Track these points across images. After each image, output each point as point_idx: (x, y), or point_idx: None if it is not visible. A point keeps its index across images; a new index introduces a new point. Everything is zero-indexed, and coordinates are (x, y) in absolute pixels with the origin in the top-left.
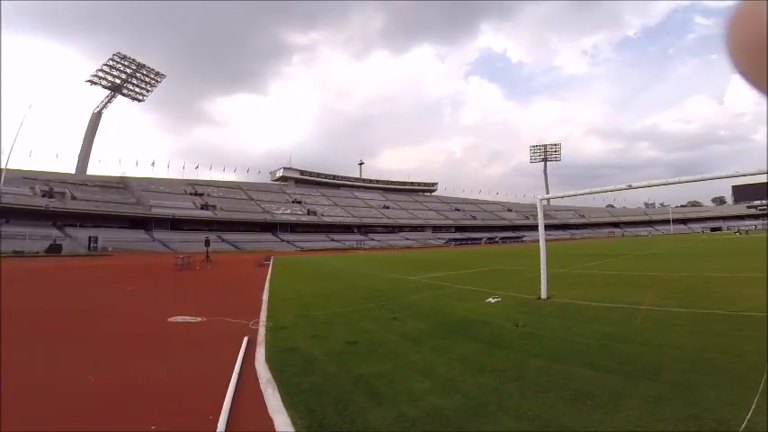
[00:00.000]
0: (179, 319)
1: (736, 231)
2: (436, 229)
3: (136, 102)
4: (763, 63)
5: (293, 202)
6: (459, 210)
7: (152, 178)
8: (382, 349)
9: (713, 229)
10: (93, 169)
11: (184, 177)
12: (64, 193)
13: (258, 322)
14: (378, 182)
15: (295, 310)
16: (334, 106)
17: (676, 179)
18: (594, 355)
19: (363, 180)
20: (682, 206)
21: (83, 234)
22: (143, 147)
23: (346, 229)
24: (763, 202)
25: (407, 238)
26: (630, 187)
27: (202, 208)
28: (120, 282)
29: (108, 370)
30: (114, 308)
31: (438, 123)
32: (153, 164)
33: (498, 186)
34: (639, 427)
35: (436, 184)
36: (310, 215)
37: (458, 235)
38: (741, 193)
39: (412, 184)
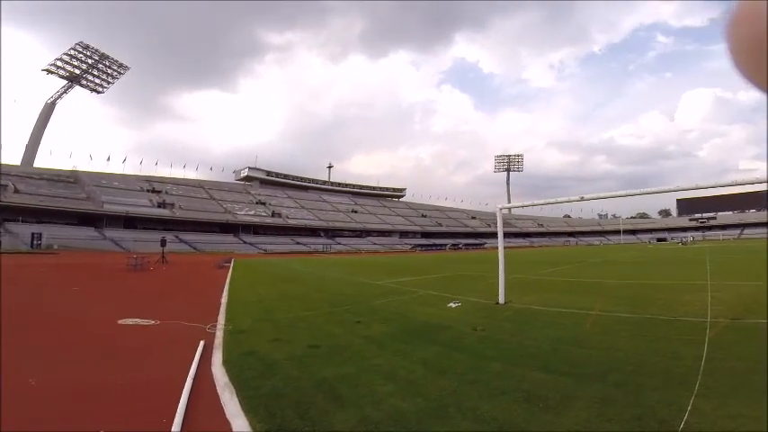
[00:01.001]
0: (130, 321)
1: (678, 242)
2: (403, 234)
3: (95, 93)
4: (763, 63)
5: (257, 203)
6: (425, 216)
7: (106, 173)
8: (346, 353)
9: (659, 240)
10: (43, 162)
11: (142, 173)
12: (6, 186)
13: (216, 326)
14: (346, 185)
15: (256, 313)
16: (306, 107)
17: (623, 192)
18: (547, 358)
19: (332, 183)
20: (632, 218)
21: (25, 230)
22: (99, 140)
23: (312, 232)
24: (704, 214)
25: (375, 243)
26: (582, 199)
27: (159, 206)
28: (66, 282)
29: (50, 373)
30: (58, 309)
31: (409, 130)
32: (108, 158)
33: (463, 194)
34: (587, 427)
35: (404, 189)
36: (275, 217)
37: (424, 241)
38: (684, 206)
39: (381, 189)
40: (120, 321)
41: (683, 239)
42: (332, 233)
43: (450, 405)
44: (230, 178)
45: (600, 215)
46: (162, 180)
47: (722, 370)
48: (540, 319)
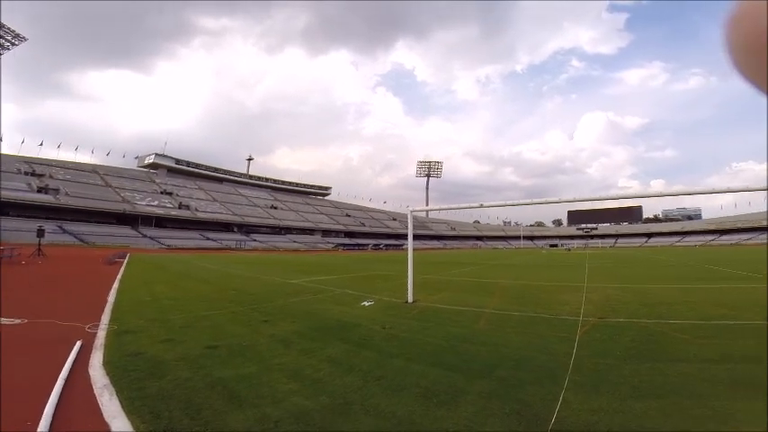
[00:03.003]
0: None
1: (566, 248)
2: (326, 233)
3: None
4: (763, 63)
5: (163, 192)
6: (350, 215)
7: None
8: (248, 352)
9: (552, 246)
10: None
11: (21, 154)
12: None
13: (98, 325)
14: (267, 180)
15: (148, 313)
16: (232, 96)
17: (511, 201)
18: (444, 354)
19: (251, 176)
20: (531, 225)
21: None
22: None
23: (225, 227)
24: (588, 225)
25: (295, 241)
26: (482, 206)
27: (40, 191)
28: None
29: None
30: None
31: (341, 129)
32: None
33: (387, 196)
34: (473, 422)
35: (330, 188)
36: (182, 209)
37: (347, 240)
38: (573, 217)
39: (305, 186)
40: None
41: (569, 246)
42: (247, 229)
43: (355, 402)
44: (133, 165)
45: (504, 222)
46: (46, 162)
47: (588, 366)
48: (441, 317)
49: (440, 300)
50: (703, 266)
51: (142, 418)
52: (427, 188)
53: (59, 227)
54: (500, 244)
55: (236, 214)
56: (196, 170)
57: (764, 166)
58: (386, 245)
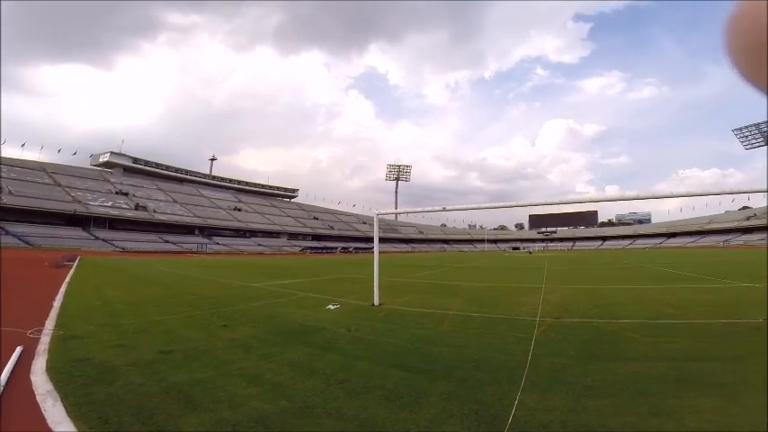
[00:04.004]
0: None
1: (527, 251)
2: (293, 236)
3: None
4: (763, 63)
5: (118, 193)
6: (317, 218)
7: None
8: (205, 357)
9: (514, 249)
10: None
11: None
12: None
13: (42, 330)
14: (231, 181)
15: (98, 318)
16: (196, 94)
17: (474, 205)
18: (408, 356)
19: (214, 177)
20: (494, 229)
21: None
22: None
23: (186, 230)
24: (548, 228)
25: (260, 244)
26: (445, 209)
27: None
28: None
29: None
30: None
31: (310, 130)
32: None
33: (357, 199)
34: (435, 423)
35: (297, 190)
36: (139, 210)
37: (314, 243)
38: (534, 221)
39: (271, 187)
40: None
41: (530, 249)
42: (209, 232)
43: (317, 405)
44: (86, 163)
45: (470, 225)
46: None
47: (544, 365)
48: (407, 320)
49: (406, 302)
50: (652, 268)
51: (89, 424)
52: (396, 191)
53: (2, 228)
54: (466, 247)
55: (197, 216)
56: (155, 170)
57: (707, 173)
58: (355, 248)
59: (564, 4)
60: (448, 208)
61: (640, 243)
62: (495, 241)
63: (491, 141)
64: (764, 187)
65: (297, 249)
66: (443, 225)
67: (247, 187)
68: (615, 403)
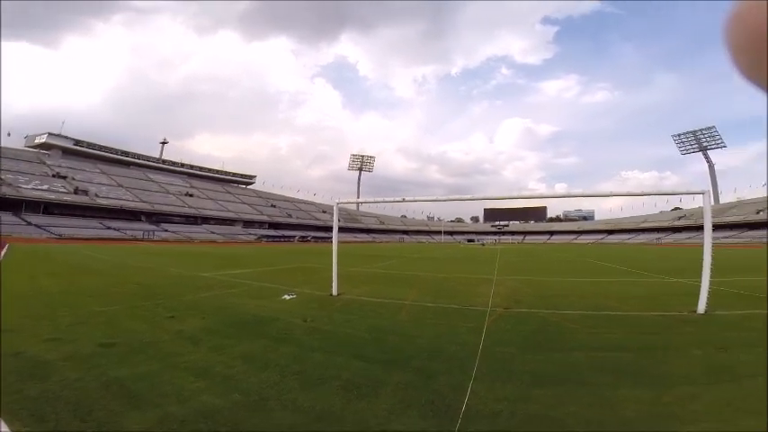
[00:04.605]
0: None
1: (481, 243)
2: (248, 223)
3: None
4: (762, 62)
5: (55, 176)
6: (275, 206)
7: None
8: (150, 350)
9: (469, 240)
10: None
11: None
12: None
13: None
14: (183, 165)
15: (30, 310)
16: (150, 76)
17: (432, 197)
18: (365, 346)
19: (164, 161)
20: (451, 221)
21: None
22: None
23: (132, 216)
24: (502, 222)
25: (213, 232)
26: (405, 200)
27: None
28: None
29: None
30: None
31: (271, 117)
32: None
33: (317, 188)
34: (392, 413)
35: (255, 177)
36: (79, 194)
37: (271, 231)
38: (489, 214)
39: (226, 173)
40: None
41: (483, 241)
42: (157, 218)
43: (271, 398)
44: (20, 144)
45: (429, 217)
46: None
47: (493, 354)
48: (365, 310)
49: (364, 292)
50: (594, 262)
51: (22, 422)
52: (359, 182)
53: None
54: (424, 238)
55: (144, 201)
56: (99, 152)
57: (647, 175)
58: (314, 237)
59: (537, 6)
60: (408, 199)
61: (584, 238)
62: (451, 233)
63: (452, 136)
64: (697, 190)
65: (252, 237)
66: (403, 216)
67: (201, 172)
68: (559, 393)
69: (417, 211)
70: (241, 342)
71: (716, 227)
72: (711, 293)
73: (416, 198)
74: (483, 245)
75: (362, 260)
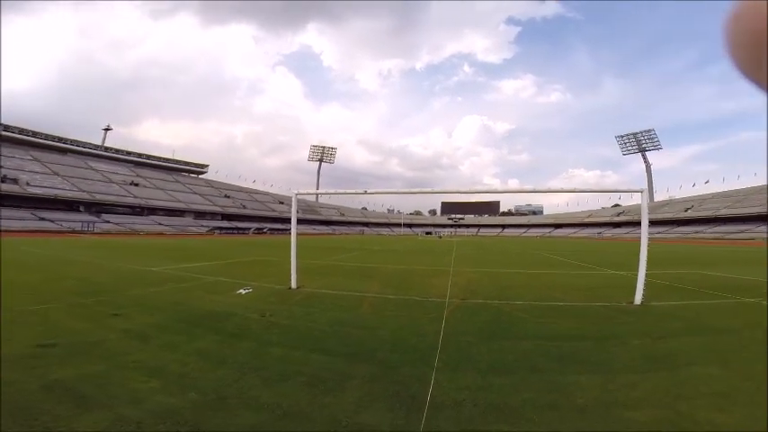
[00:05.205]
0: None
1: (438, 236)
2: (200, 215)
3: None
4: (762, 61)
5: None
6: (229, 197)
7: None
8: (95, 350)
9: (427, 233)
10: None
11: None
12: None
13: None
14: (128, 153)
15: None
16: (96, 58)
17: (394, 189)
18: (327, 340)
19: (107, 149)
20: (410, 214)
21: None
22: None
23: (69, 206)
24: (458, 215)
25: (161, 224)
26: (366, 192)
27: None
28: None
29: None
30: None
31: (226, 104)
32: None
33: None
34: (360, 406)
35: (207, 166)
36: (7, 183)
37: (225, 223)
38: (446, 208)
39: (177, 161)
40: None
41: (440, 234)
42: (98, 209)
43: (231, 396)
44: None
45: (389, 210)
46: None
47: (452, 344)
48: (326, 303)
49: (325, 285)
50: (542, 255)
51: None
52: (319, 173)
53: None
54: (384, 230)
55: (83, 191)
56: (31, 138)
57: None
58: (270, 229)
59: (503, 6)
60: (370, 191)
61: (533, 232)
62: (410, 225)
63: (414, 130)
64: (636, 188)
65: (204, 229)
66: (364, 208)
67: (148, 161)
68: (514, 381)
69: (378, 204)
70: (195, 339)
71: (650, 223)
72: (646, 285)
73: (378, 190)
74: (440, 237)
75: (322, 252)
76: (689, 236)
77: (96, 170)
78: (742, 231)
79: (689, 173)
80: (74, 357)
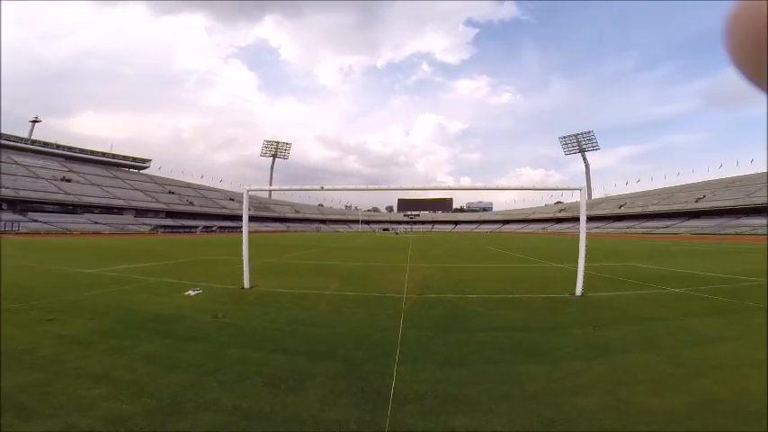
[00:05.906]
0: None
1: (394, 232)
2: (141, 212)
3: None
4: (762, 61)
5: None
6: (173, 193)
7: None
8: (28, 357)
9: (384, 229)
10: None
11: None
12: None
13: None
14: (59, 147)
15: None
16: (27, 48)
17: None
18: (286, 339)
19: (34, 142)
20: (368, 210)
21: None
22: None
23: None
24: (413, 212)
25: (97, 222)
26: (323, 188)
27: None
28: None
29: None
30: None
31: (173, 96)
32: None
33: (224, 174)
34: (325, 404)
35: (150, 161)
36: None
37: (169, 221)
38: (402, 204)
39: (114, 156)
40: None
41: (396, 230)
42: (24, 207)
43: (188, 400)
44: None
45: (346, 206)
46: None
47: (412, 339)
48: (282, 302)
49: (280, 284)
50: (492, 249)
51: None
52: (272, 168)
53: None
54: (341, 227)
55: (6, 187)
56: None
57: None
58: (219, 227)
59: (464, 6)
60: (326, 187)
61: (484, 227)
62: (368, 222)
63: (372, 127)
64: (575, 186)
65: (146, 228)
66: (321, 205)
67: (81, 154)
68: (471, 372)
69: (336, 201)
70: (141, 343)
71: (588, 218)
72: (585, 277)
73: (335, 187)
74: (397, 233)
75: (277, 250)
76: (621, 230)
77: (21, 165)
78: (667, 227)
79: (623, 172)
80: (4, 366)
